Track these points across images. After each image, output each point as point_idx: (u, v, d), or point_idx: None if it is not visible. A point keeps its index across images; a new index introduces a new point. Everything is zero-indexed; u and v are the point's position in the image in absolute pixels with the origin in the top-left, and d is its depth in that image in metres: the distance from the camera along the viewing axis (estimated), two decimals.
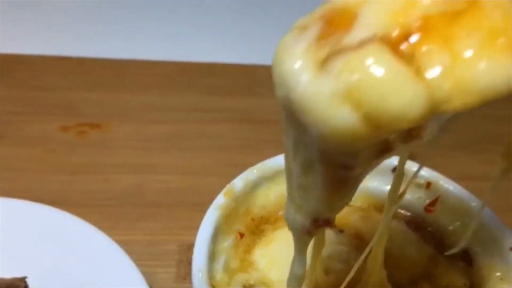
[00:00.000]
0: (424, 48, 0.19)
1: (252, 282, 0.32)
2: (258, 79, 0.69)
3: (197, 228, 0.50)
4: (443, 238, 0.36)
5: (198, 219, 0.51)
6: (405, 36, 0.19)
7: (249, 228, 0.35)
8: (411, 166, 0.38)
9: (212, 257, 0.32)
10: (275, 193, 0.37)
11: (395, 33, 0.19)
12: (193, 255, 0.32)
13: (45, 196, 0.49)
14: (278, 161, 0.38)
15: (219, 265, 0.33)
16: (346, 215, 0.37)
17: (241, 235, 0.34)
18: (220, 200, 0.35)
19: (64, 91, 0.64)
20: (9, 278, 0.38)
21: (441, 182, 0.37)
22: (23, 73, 0.65)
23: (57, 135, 0.58)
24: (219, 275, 0.32)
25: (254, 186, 0.37)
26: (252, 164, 0.38)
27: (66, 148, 0.57)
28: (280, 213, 0.36)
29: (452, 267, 0.35)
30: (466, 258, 0.35)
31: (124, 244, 0.45)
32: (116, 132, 0.60)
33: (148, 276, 0.43)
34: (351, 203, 0.36)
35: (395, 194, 0.29)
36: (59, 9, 0.79)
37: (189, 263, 0.48)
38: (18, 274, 0.39)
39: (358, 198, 0.38)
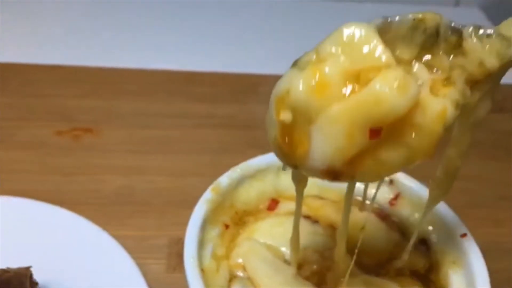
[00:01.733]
0: None
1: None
2: (241, 87, 0.74)
3: (184, 224, 0.55)
4: (406, 227, 0.41)
5: (185, 216, 0.55)
6: None
7: (233, 220, 0.40)
8: None
9: (201, 245, 0.37)
10: (256, 190, 0.42)
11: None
12: (185, 243, 0.36)
13: (42, 196, 0.53)
14: (258, 161, 0.43)
15: (207, 252, 0.37)
16: (321, 208, 0.41)
17: (227, 226, 0.39)
18: (208, 195, 0.40)
19: (59, 98, 0.68)
20: (15, 267, 0.42)
21: (401, 180, 0.43)
22: (19, 81, 0.69)
23: (52, 139, 0.62)
24: (207, 261, 0.37)
25: (238, 183, 0.42)
26: (233, 165, 0.42)
27: (61, 151, 0.61)
28: (261, 206, 0.41)
29: (414, 251, 0.39)
30: (425, 244, 0.40)
31: (117, 239, 0.49)
32: (108, 137, 0.64)
33: (140, 267, 0.47)
34: (326, 197, 0.41)
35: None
36: (53, 21, 0.83)
37: (179, 255, 0.52)
38: (23, 265, 0.43)
39: (331, 193, 0.42)
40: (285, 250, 0.37)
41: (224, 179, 0.41)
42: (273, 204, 0.41)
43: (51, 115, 0.65)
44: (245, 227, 0.39)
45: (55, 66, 0.72)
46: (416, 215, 0.41)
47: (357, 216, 0.38)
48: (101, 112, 0.67)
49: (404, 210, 0.42)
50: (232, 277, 0.36)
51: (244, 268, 0.37)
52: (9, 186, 0.55)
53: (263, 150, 0.44)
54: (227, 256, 0.38)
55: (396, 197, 0.43)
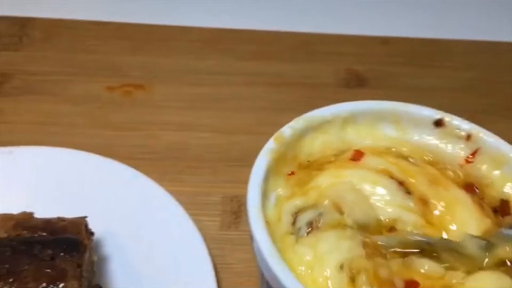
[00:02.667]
0: None
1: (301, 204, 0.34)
2: (294, 45, 0.71)
3: (237, 181, 0.53)
4: (484, 185, 0.38)
5: (238, 173, 0.54)
6: None
7: (299, 168, 0.37)
8: (453, 119, 0.40)
9: (264, 195, 0.35)
10: (320, 142, 0.39)
11: None
12: (248, 194, 0.34)
13: (94, 150, 0.52)
14: (322, 112, 0.40)
15: (270, 203, 0.35)
16: (415, 175, 0.36)
17: (292, 173, 0.37)
18: (271, 145, 0.37)
19: (109, 54, 0.66)
20: (71, 217, 0.41)
21: (481, 135, 0.39)
22: (70, 37, 0.68)
23: (103, 94, 0.61)
24: (270, 211, 0.34)
25: (301, 134, 0.39)
26: (285, 123, 0.39)
27: (113, 107, 0.60)
28: (331, 157, 0.38)
29: None
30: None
31: (171, 194, 0.48)
32: (159, 93, 0.62)
33: (194, 223, 0.46)
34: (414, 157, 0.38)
35: None
36: None
37: (233, 212, 0.51)
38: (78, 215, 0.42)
39: (403, 145, 0.39)
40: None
41: (287, 130, 0.38)
42: (357, 154, 0.38)
43: (102, 70, 0.64)
44: (316, 175, 0.36)
45: (106, 22, 0.71)
46: (497, 172, 0.38)
47: None
48: (152, 69, 0.65)
49: (484, 167, 0.38)
50: (299, 210, 0.34)
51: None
52: (61, 139, 0.54)
53: (315, 108, 0.41)
54: (293, 195, 0.35)
55: (474, 153, 0.39)
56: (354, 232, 0.32)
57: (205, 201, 0.51)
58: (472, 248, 0.32)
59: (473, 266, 0.32)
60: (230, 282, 0.45)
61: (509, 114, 0.63)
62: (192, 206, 0.49)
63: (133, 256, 0.44)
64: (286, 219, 0.34)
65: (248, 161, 0.55)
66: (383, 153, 0.38)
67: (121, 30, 0.70)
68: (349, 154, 0.38)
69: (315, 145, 0.39)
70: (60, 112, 0.58)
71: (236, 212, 0.50)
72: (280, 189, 0.36)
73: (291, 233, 0.33)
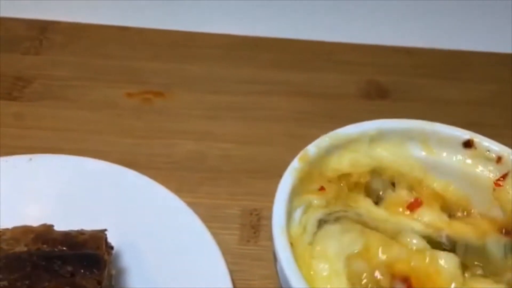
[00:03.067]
0: None
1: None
2: (316, 54, 0.70)
3: (257, 194, 0.53)
4: None
5: (258, 186, 0.53)
6: None
7: (330, 183, 0.36)
8: (483, 140, 0.39)
9: (289, 215, 0.34)
10: (348, 159, 0.38)
11: None
12: (273, 214, 0.33)
13: (112, 158, 0.51)
14: (348, 130, 0.39)
15: (294, 222, 0.34)
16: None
17: (322, 188, 0.36)
18: (295, 164, 0.36)
19: (129, 60, 0.66)
20: (90, 230, 0.40)
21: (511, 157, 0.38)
22: (89, 42, 0.68)
23: (122, 101, 0.61)
24: (294, 229, 0.34)
25: (327, 152, 0.38)
26: (308, 135, 0.39)
27: (132, 113, 0.59)
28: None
29: None
30: None
31: (189, 206, 0.47)
32: (179, 101, 0.61)
33: (212, 237, 0.45)
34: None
35: None
36: None
37: (252, 227, 0.50)
38: (96, 227, 0.41)
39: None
40: None
41: (312, 148, 0.38)
42: (415, 204, 0.37)
43: (121, 76, 0.64)
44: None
45: (125, 27, 0.70)
46: None
47: None
48: (172, 76, 0.64)
49: None
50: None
51: None
52: (80, 146, 0.54)
53: (338, 120, 0.40)
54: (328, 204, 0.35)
55: (504, 176, 0.38)
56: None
57: (223, 214, 0.50)
58: (496, 250, 0.33)
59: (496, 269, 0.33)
60: None
61: None
62: (210, 218, 0.48)
63: (150, 269, 0.43)
64: (310, 229, 0.34)
65: (268, 173, 0.54)
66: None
67: (142, 35, 0.69)
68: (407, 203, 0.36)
69: (343, 162, 0.38)
70: (79, 118, 0.58)
71: (255, 226, 0.49)
72: (311, 201, 0.35)
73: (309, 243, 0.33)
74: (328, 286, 0.31)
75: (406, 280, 0.31)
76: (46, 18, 0.70)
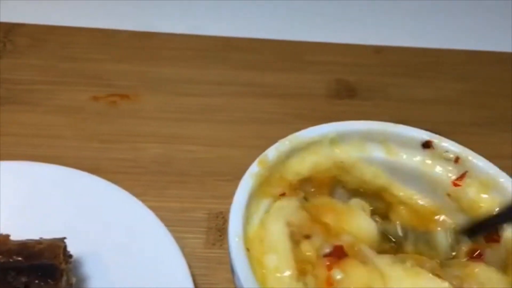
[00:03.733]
0: None
1: None
2: (285, 54, 0.70)
3: (225, 197, 0.51)
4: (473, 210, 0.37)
5: (225, 189, 0.53)
6: None
7: (290, 188, 0.36)
8: (442, 141, 0.39)
9: (246, 221, 0.34)
10: (309, 161, 0.38)
11: None
12: (229, 222, 0.33)
13: (78, 163, 0.51)
14: (308, 133, 0.39)
15: (253, 225, 0.34)
16: None
17: (283, 194, 0.36)
18: (254, 169, 0.36)
19: (95, 63, 0.65)
20: (49, 238, 0.39)
21: (470, 157, 0.38)
22: (55, 44, 0.67)
23: (88, 105, 0.60)
24: (252, 233, 0.33)
25: (287, 156, 0.38)
26: (277, 137, 0.39)
27: (98, 117, 0.58)
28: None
29: None
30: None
31: (154, 210, 0.46)
32: (145, 103, 0.61)
33: (178, 241, 0.44)
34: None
35: None
36: None
37: (218, 230, 0.50)
38: (57, 235, 0.41)
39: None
40: None
41: (272, 152, 0.37)
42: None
43: (87, 79, 0.63)
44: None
45: (92, 29, 0.69)
46: (485, 196, 0.37)
47: None
48: (138, 78, 0.64)
49: (472, 191, 0.38)
50: None
51: None
52: (44, 152, 0.53)
53: (309, 121, 0.40)
54: None
55: (463, 176, 0.38)
56: None
57: (190, 218, 0.50)
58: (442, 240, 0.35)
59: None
60: None
61: (501, 126, 0.62)
62: (177, 222, 0.48)
63: (113, 275, 0.43)
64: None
65: (236, 176, 0.53)
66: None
67: (108, 37, 0.69)
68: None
69: (304, 166, 0.38)
70: (43, 123, 0.57)
71: (221, 229, 0.49)
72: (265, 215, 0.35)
73: None
74: (278, 274, 0.31)
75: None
76: (10, 20, 0.68)
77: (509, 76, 0.69)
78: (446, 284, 0.31)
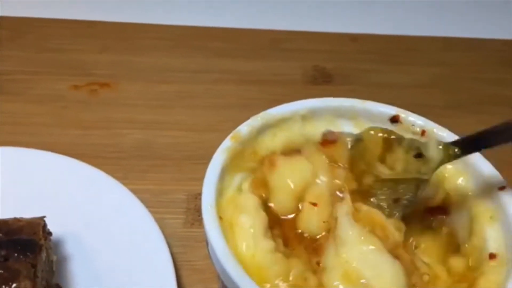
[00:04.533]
0: None
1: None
2: (262, 43, 0.71)
3: (202, 179, 0.53)
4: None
5: (203, 171, 0.52)
6: None
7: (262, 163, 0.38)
8: (409, 115, 0.41)
9: (219, 193, 0.35)
10: (281, 138, 0.39)
11: None
12: (202, 192, 0.34)
13: (59, 149, 0.51)
14: (280, 110, 0.40)
15: (225, 199, 0.35)
16: None
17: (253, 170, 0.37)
18: (227, 144, 0.37)
19: (75, 53, 0.66)
20: (29, 217, 0.40)
21: (435, 130, 0.40)
22: (35, 36, 0.67)
23: (69, 93, 0.61)
24: (225, 202, 0.35)
25: (259, 131, 0.39)
26: None
27: (78, 105, 0.59)
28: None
29: None
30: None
31: (135, 193, 0.47)
32: (125, 91, 0.62)
33: (158, 222, 0.46)
34: None
35: None
36: None
37: (197, 210, 0.51)
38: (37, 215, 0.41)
39: None
40: None
41: (244, 128, 0.39)
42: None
43: (67, 69, 0.64)
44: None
45: (71, 20, 0.70)
46: (450, 167, 0.38)
47: None
48: (118, 67, 0.65)
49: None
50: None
51: None
52: (25, 139, 0.54)
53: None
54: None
55: None
56: None
57: (169, 199, 0.51)
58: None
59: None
60: (192, 279, 0.45)
61: (472, 109, 0.64)
62: (157, 204, 0.49)
63: (93, 255, 0.44)
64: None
65: None
66: None
67: (88, 28, 0.70)
68: None
69: (276, 141, 0.40)
70: (24, 111, 0.58)
71: (199, 209, 0.49)
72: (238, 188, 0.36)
73: None
74: (252, 230, 0.33)
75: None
76: None
77: (480, 61, 0.71)
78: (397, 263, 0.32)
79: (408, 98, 0.65)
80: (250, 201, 0.34)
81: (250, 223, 0.33)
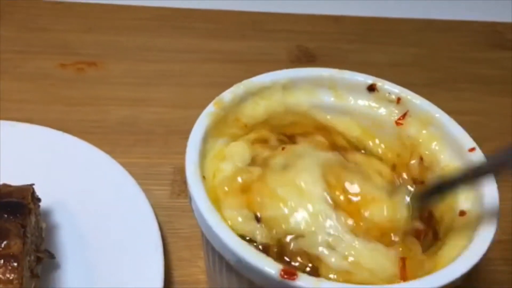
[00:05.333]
0: None
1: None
2: (247, 24, 0.72)
3: None
4: (414, 146, 0.40)
5: None
6: None
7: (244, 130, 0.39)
8: (385, 84, 0.43)
9: (202, 155, 0.36)
10: (262, 107, 0.41)
11: None
12: (186, 152, 0.36)
13: (45, 124, 0.52)
14: (261, 79, 0.42)
15: (208, 161, 0.37)
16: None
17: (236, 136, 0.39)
18: (211, 109, 0.39)
19: (62, 33, 0.67)
20: (17, 185, 0.41)
21: (409, 97, 0.41)
22: (22, 16, 0.68)
23: (56, 72, 0.61)
24: (208, 166, 0.36)
25: (242, 99, 0.41)
26: None
27: (65, 83, 0.60)
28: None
29: None
30: None
31: (122, 165, 0.49)
32: (112, 70, 0.63)
33: (145, 193, 0.47)
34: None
35: None
36: None
37: (183, 182, 0.52)
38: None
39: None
40: None
41: (227, 94, 0.40)
42: None
43: (54, 48, 0.64)
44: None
45: (58, 2, 0.71)
46: (424, 132, 0.40)
47: None
48: (105, 47, 0.66)
49: (412, 128, 0.41)
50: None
51: None
52: (12, 115, 0.54)
53: None
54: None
55: (404, 115, 0.41)
56: None
57: (156, 172, 0.52)
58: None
59: None
60: (178, 246, 0.46)
61: (449, 86, 0.66)
62: (144, 176, 0.50)
63: (82, 224, 0.45)
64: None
65: None
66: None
67: (75, 9, 0.70)
68: None
69: (258, 110, 0.41)
70: (12, 89, 0.59)
71: (185, 181, 0.51)
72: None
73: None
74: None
75: None
76: None
77: (457, 42, 0.74)
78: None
79: (388, 77, 0.66)
80: (234, 148, 0.36)
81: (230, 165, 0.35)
